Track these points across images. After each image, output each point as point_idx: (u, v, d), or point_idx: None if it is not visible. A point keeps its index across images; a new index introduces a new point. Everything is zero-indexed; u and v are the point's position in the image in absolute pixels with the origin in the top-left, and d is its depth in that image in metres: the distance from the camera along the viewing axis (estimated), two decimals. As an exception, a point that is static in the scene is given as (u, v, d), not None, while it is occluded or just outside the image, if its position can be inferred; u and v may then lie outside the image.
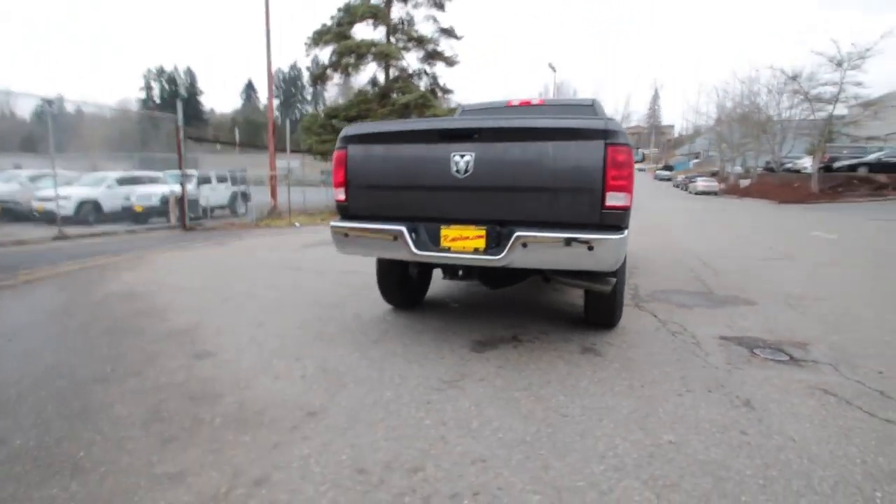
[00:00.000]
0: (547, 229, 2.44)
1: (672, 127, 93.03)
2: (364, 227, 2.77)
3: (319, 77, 14.30)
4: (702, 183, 30.92)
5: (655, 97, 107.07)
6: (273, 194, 12.18)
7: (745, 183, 29.99)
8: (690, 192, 31.07)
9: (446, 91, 14.37)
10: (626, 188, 2.36)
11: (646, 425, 1.99)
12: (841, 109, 21.11)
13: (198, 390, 2.33)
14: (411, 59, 14.06)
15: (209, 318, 3.48)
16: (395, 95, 13.61)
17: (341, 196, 2.90)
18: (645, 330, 3.23)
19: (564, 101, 4.25)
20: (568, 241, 2.37)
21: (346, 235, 2.83)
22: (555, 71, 30.79)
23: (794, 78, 21.09)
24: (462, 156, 2.53)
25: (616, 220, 2.41)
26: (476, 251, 2.59)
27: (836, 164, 22.29)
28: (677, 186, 37.95)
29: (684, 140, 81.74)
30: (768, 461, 1.74)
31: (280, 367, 2.61)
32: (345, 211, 2.93)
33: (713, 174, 35.48)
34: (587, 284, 2.73)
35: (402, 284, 3.53)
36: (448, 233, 2.63)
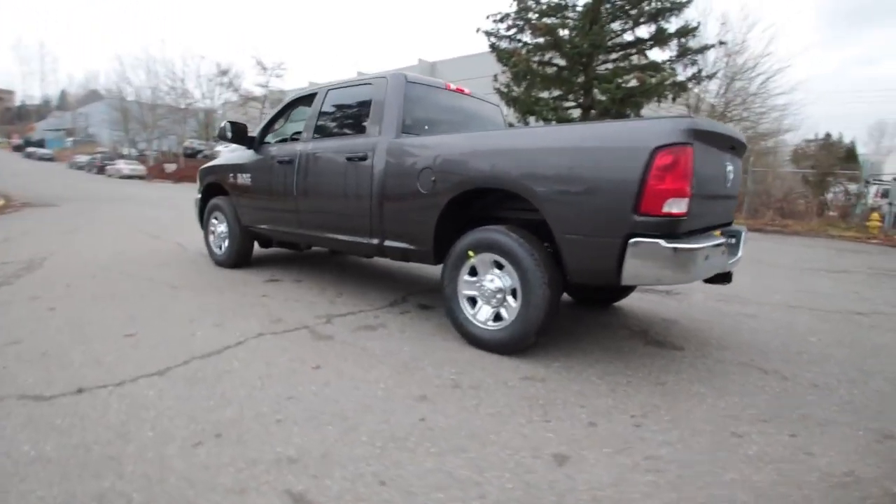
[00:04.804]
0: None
1: (12, 93, 74.05)
2: (716, 243, 2.21)
3: None
4: (126, 166, 28.09)
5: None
6: None
7: (170, 167, 29.75)
8: (112, 177, 27.54)
9: None
10: None
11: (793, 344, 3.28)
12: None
13: None
14: None
15: None
16: None
17: (678, 208, 2.09)
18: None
19: (478, 96, 3.99)
20: None
21: (708, 258, 2.13)
22: None
23: (225, 72, 23.07)
24: (730, 165, 2.63)
25: None
26: (719, 255, 2.77)
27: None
28: (81, 169, 32.23)
29: (33, 112, 67.74)
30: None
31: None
32: (676, 228, 2.13)
33: (140, 156, 32.60)
34: None
35: None
36: (712, 240, 2.63)
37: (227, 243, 4.67)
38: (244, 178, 4.32)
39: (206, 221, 4.90)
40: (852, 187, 13.48)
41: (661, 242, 2.09)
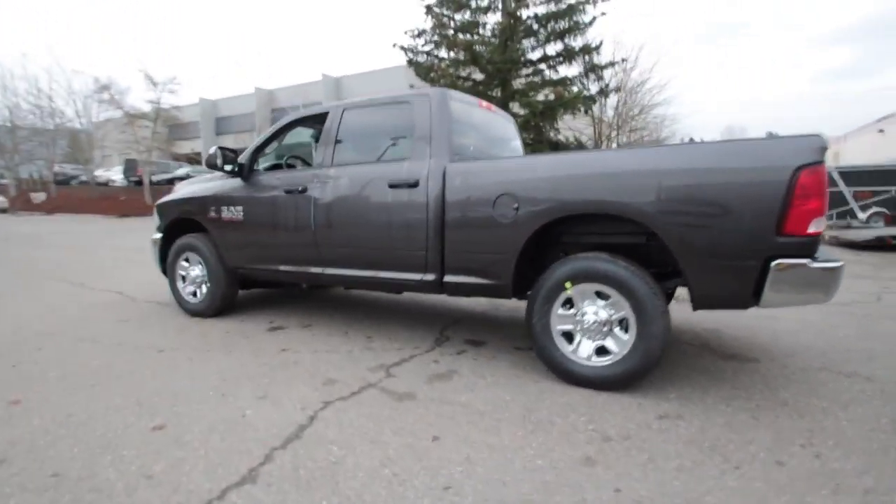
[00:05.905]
0: None
1: None
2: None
3: None
4: (-21, 200, 23.69)
5: None
6: None
7: (39, 197, 25.62)
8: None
9: None
10: None
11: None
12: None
13: None
14: None
15: None
16: None
17: (817, 227, 2.06)
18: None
19: (498, 111, 3.77)
20: None
21: (836, 281, 2.11)
22: None
23: (106, 87, 20.33)
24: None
25: None
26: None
27: (155, 178, 23.76)
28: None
29: None
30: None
31: None
32: (816, 248, 2.10)
33: (-2, 186, 27.44)
34: None
35: None
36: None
37: (206, 289, 3.94)
38: (232, 212, 3.67)
39: (172, 265, 4.11)
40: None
41: (810, 263, 2.04)
